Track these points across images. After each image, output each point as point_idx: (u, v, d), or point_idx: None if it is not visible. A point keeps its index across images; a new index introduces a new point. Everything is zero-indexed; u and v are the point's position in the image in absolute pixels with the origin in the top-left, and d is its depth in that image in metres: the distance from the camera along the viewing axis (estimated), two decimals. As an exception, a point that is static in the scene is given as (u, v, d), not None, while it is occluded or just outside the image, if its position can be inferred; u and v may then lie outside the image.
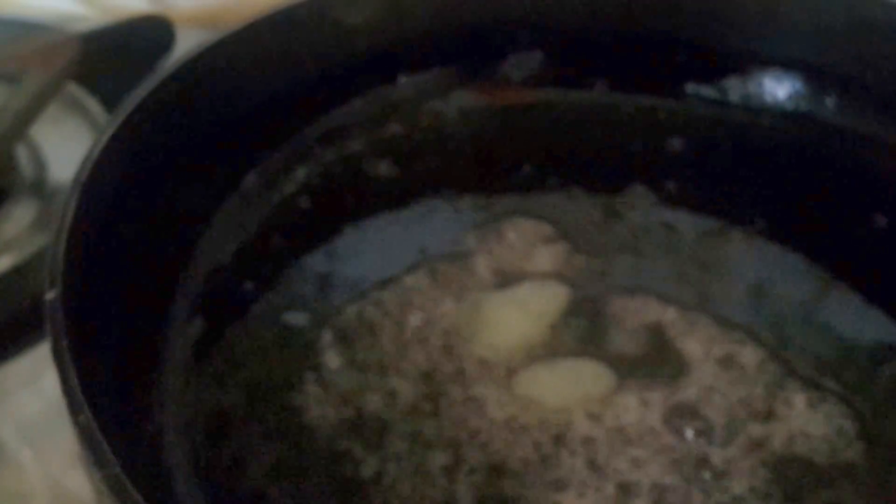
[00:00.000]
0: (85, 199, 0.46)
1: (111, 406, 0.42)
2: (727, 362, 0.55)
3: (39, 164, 0.72)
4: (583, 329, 0.56)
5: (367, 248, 0.60)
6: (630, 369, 0.54)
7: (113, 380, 0.44)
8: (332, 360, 0.54)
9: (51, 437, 0.56)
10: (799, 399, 0.53)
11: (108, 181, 0.49)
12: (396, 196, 0.63)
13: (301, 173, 0.63)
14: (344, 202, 0.63)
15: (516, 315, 0.57)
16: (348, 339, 0.55)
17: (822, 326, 0.58)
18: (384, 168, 0.64)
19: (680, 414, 0.52)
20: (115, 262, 0.48)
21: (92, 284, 0.45)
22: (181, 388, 0.51)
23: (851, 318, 0.57)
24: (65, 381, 0.37)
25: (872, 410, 0.52)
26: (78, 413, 0.35)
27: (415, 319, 0.56)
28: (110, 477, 0.33)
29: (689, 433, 0.51)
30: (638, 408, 0.52)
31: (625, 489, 0.49)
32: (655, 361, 0.55)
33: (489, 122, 0.66)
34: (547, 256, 0.61)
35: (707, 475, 0.49)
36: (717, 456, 0.50)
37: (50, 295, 0.41)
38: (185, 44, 0.76)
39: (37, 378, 0.60)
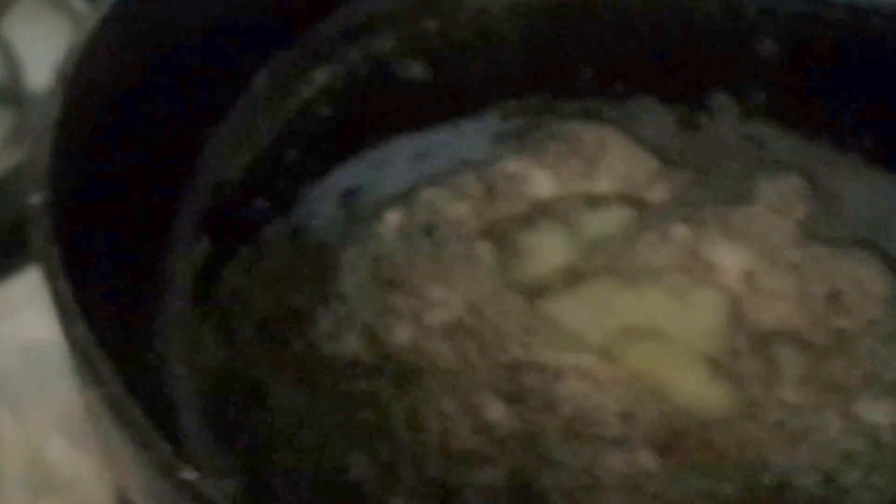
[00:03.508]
0: (71, 94, 0.47)
1: (107, 329, 0.43)
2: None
3: (13, 66, 0.72)
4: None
5: (397, 163, 0.61)
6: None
7: (108, 301, 0.46)
8: (355, 287, 0.55)
9: (32, 399, 0.57)
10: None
11: (97, 77, 0.49)
12: (431, 104, 0.64)
13: (320, 76, 0.63)
14: (371, 110, 0.64)
15: (564, 239, 0.58)
16: (373, 265, 0.56)
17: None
18: (417, 71, 0.64)
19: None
20: (108, 168, 0.49)
21: (82, 192, 0.46)
22: (186, 315, 0.52)
23: None
24: (55, 291, 0.38)
25: None
26: (71, 325, 0.36)
27: (455, 243, 0.57)
28: (110, 395, 0.34)
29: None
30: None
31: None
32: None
33: (542, 18, 0.66)
34: (609, 173, 0.61)
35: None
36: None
37: (34, 199, 0.42)
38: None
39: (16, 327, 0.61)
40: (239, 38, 0.59)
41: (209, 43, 0.57)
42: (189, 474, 0.32)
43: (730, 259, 0.58)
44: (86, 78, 0.48)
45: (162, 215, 0.54)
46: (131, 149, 0.52)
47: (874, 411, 0.51)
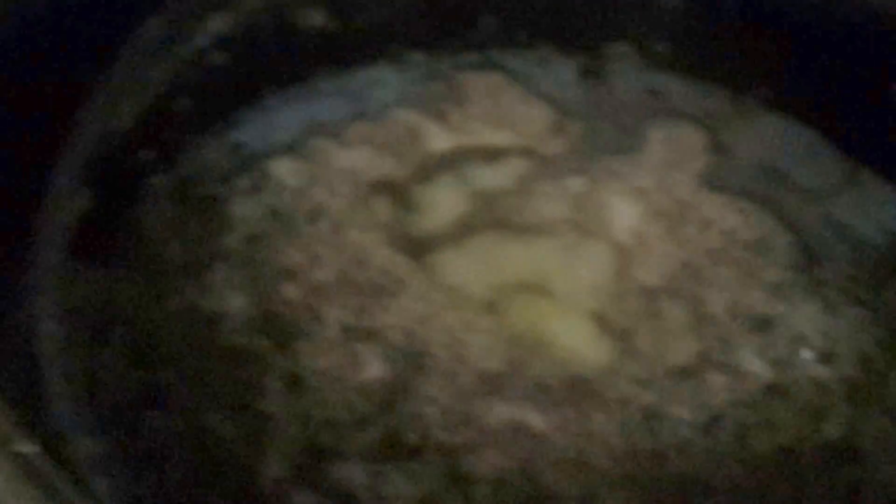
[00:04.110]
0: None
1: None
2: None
3: None
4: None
5: (290, 113, 0.60)
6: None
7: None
8: (241, 241, 0.54)
9: None
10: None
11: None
12: (332, 54, 0.63)
13: (217, 23, 0.61)
14: (267, 60, 0.62)
15: (457, 192, 0.57)
16: (261, 218, 0.55)
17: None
18: (317, 19, 0.63)
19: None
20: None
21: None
22: (63, 270, 0.51)
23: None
24: None
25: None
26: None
27: (346, 195, 0.56)
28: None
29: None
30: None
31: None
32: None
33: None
34: (504, 125, 0.60)
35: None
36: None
37: None
38: None
39: None
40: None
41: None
42: (25, 447, 0.31)
43: (622, 212, 0.58)
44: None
45: (40, 165, 0.52)
46: (6, 93, 0.50)
47: (754, 361, 0.52)
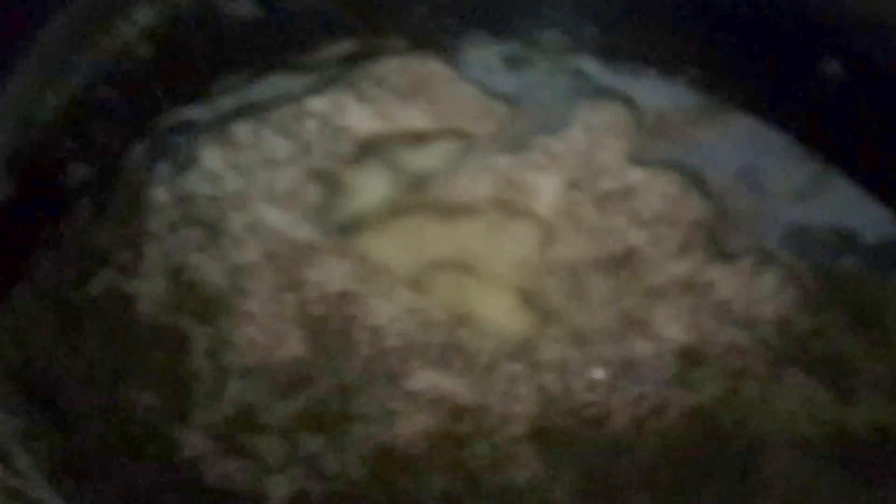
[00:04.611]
0: None
1: None
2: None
3: None
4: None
5: (216, 102, 0.60)
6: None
7: None
8: (163, 226, 0.54)
9: None
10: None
11: None
12: (257, 42, 0.63)
13: (142, 15, 0.62)
14: (194, 50, 0.62)
15: (386, 175, 0.58)
16: (183, 203, 0.55)
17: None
18: (243, 8, 0.63)
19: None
20: None
21: None
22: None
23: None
24: None
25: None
26: None
27: (270, 179, 0.57)
28: None
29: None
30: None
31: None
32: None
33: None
34: (433, 108, 0.61)
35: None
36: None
37: None
38: None
39: None
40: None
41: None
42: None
43: (548, 190, 0.58)
44: None
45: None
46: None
47: (672, 328, 0.53)
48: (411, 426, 0.48)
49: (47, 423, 0.47)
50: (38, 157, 0.56)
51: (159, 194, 0.56)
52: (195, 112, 0.60)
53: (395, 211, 0.57)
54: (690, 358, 0.52)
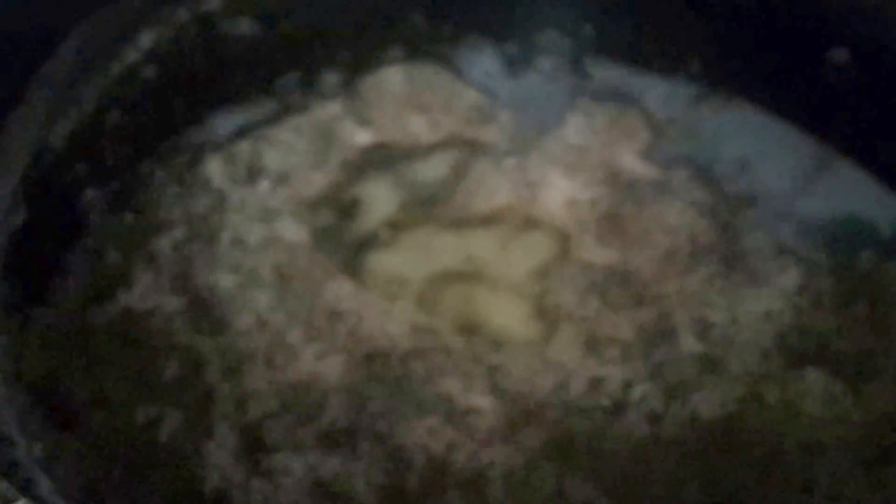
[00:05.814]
0: None
1: None
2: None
3: None
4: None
5: (226, 119, 0.61)
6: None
7: None
8: (172, 245, 0.55)
9: None
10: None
11: None
12: (260, 60, 0.64)
13: (146, 38, 0.62)
14: (199, 70, 0.63)
15: (392, 187, 0.58)
16: (192, 222, 0.56)
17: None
18: (245, 27, 0.64)
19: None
20: None
21: None
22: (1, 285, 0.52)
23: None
24: None
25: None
26: None
27: (276, 196, 0.57)
28: None
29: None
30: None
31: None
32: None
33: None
34: (436, 116, 0.61)
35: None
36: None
37: None
38: None
39: None
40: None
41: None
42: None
43: (558, 195, 0.59)
44: None
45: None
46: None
47: (688, 333, 0.53)
48: (430, 440, 0.49)
49: (69, 446, 0.47)
50: (51, 182, 0.57)
51: (169, 213, 0.57)
52: (201, 131, 0.61)
53: (402, 223, 0.57)
54: (709, 363, 0.52)
